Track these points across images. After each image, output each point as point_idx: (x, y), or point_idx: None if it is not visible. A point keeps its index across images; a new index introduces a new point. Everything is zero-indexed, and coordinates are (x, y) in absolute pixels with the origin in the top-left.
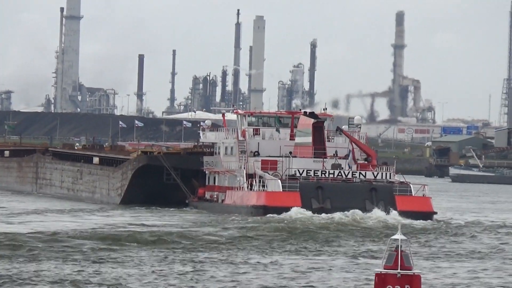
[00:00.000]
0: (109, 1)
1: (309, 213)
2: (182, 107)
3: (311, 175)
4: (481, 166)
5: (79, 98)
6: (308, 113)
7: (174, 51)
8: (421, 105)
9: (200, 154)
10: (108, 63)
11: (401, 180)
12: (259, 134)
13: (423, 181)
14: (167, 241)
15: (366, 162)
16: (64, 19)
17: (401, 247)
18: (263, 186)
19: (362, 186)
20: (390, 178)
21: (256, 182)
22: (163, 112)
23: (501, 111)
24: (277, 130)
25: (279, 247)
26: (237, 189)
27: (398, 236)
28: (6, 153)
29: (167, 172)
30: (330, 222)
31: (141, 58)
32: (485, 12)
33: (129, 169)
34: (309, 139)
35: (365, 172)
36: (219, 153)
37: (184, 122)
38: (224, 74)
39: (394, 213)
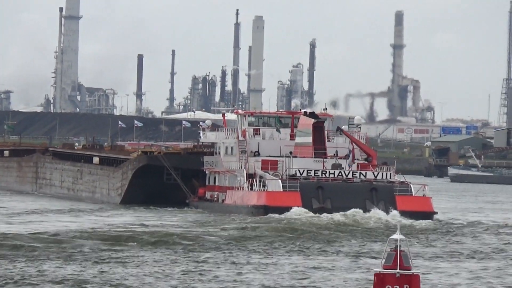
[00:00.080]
0: (109, 1)
1: (310, 213)
2: (181, 107)
3: (311, 175)
4: (479, 166)
5: (79, 98)
6: (308, 113)
7: (173, 51)
8: (421, 105)
9: (200, 154)
10: (108, 63)
11: (402, 180)
12: (259, 134)
13: (422, 181)
14: (167, 241)
15: (366, 162)
16: (63, 19)
17: (400, 247)
18: (264, 186)
19: (363, 186)
20: (390, 178)
21: (256, 182)
22: (162, 112)
23: (500, 111)
24: (278, 130)
25: (280, 247)
26: (238, 189)
27: (397, 236)
28: (6, 153)
29: (168, 172)
30: (331, 222)
31: (140, 58)
32: (485, 12)
33: (130, 169)
34: (310, 139)
35: (366, 172)
36: (219, 153)
37: (184, 122)
38: (223, 74)
39: (394, 213)
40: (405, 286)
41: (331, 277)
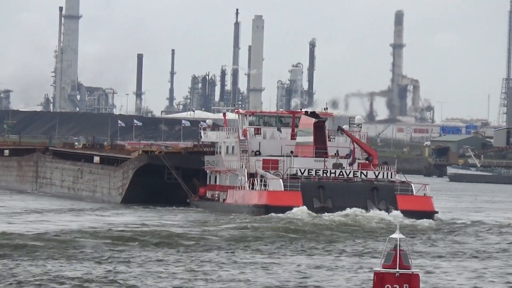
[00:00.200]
0: (109, 1)
1: (312, 212)
2: (181, 107)
3: (312, 175)
4: (478, 165)
5: (78, 97)
6: (309, 112)
7: (173, 51)
8: (420, 105)
9: (201, 153)
10: (108, 63)
11: (402, 180)
12: (260, 134)
13: (421, 181)
14: (168, 240)
15: (367, 162)
16: (63, 18)
17: (399, 246)
18: (265, 185)
19: (364, 186)
20: (391, 177)
21: (257, 182)
22: (162, 112)
23: (500, 110)
24: (278, 130)
25: (283, 246)
26: (239, 188)
27: (397, 235)
28: (6, 152)
29: (168, 172)
30: (332, 222)
31: (140, 57)
32: (485, 12)
33: (130, 168)
34: (310, 138)
35: (367, 172)
36: (220, 152)
37: (183, 122)
38: (223, 73)
39: (395, 213)
40: (404, 285)
41: (333, 276)
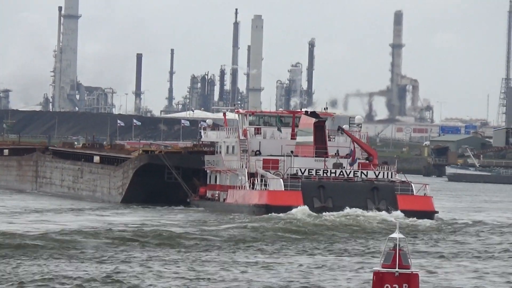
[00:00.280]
0: (109, 1)
1: (312, 212)
2: (180, 106)
3: (312, 174)
4: (477, 165)
5: (77, 97)
6: (309, 112)
7: (172, 50)
8: (420, 105)
9: (202, 153)
10: (107, 63)
11: (403, 180)
12: (261, 134)
13: (421, 180)
14: (168, 240)
15: (367, 162)
16: (62, 18)
17: (399, 245)
18: (265, 185)
19: (364, 185)
20: (391, 177)
21: (258, 181)
22: (161, 111)
23: (499, 110)
24: (279, 130)
25: (282, 246)
26: (239, 188)
27: (396, 235)
28: (6, 151)
29: (168, 171)
30: (333, 222)
31: (139, 57)
32: (485, 12)
33: (131, 168)
34: (311, 138)
35: (367, 172)
36: (220, 152)
37: (182, 121)
38: (222, 73)
39: (395, 212)
40: (404, 285)
41: (334, 276)
